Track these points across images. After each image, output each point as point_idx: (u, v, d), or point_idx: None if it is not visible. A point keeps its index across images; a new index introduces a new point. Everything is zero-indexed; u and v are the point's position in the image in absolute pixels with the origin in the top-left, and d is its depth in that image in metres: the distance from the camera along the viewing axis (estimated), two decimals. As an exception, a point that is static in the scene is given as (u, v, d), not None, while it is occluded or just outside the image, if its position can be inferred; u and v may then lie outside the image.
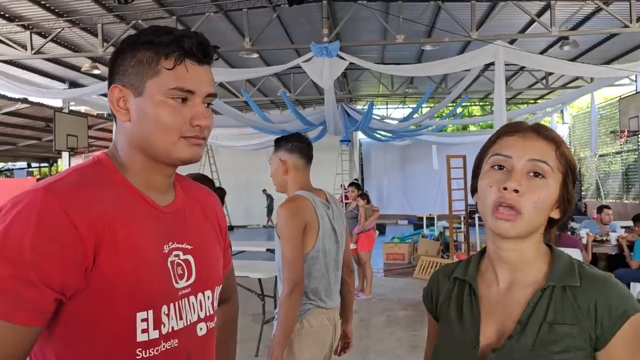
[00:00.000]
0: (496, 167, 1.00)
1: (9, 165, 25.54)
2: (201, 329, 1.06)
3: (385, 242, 11.33)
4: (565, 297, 0.96)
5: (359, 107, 17.65)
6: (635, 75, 12.05)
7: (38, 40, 9.88)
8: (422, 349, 4.76)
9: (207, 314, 1.08)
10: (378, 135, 15.98)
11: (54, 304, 0.87)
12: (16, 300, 0.82)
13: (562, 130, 18.30)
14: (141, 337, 0.93)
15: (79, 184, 0.93)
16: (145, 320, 0.93)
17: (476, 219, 10.66)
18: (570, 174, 1.01)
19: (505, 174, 0.98)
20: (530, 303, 0.97)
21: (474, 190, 1.07)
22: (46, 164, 23.73)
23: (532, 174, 0.97)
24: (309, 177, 2.46)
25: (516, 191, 0.95)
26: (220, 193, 3.35)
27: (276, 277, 2.57)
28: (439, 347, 1.09)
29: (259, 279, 5.27)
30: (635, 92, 12.15)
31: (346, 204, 10.38)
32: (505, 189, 0.95)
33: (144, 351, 0.94)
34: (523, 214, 0.96)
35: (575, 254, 5.03)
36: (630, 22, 8.35)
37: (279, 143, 2.46)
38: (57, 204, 0.87)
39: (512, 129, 1.02)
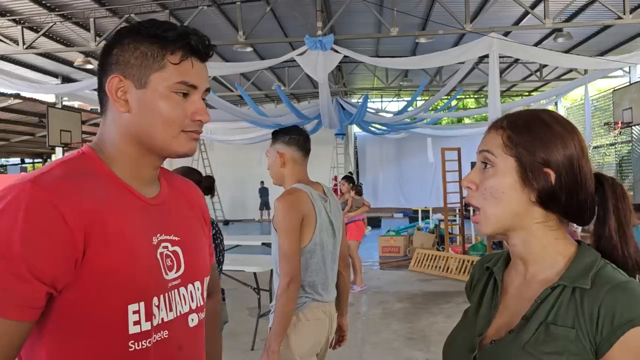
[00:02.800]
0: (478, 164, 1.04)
1: (3, 161, 25.40)
2: (192, 319, 1.07)
3: (380, 235, 11.36)
4: (572, 299, 0.91)
5: (353, 100, 17.64)
6: (629, 67, 12.06)
7: (30, 35, 9.79)
8: (417, 341, 4.82)
9: (198, 305, 1.09)
10: (373, 129, 15.98)
11: (45, 298, 0.87)
12: (7, 295, 0.82)
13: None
14: (133, 329, 0.93)
15: (66, 177, 0.92)
16: (137, 312, 0.94)
17: (471, 211, 10.69)
18: (525, 153, 0.95)
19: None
20: (537, 300, 0.95)
21: None
22: (40, 160, 23.61)
23: (483, 166, 0.99)
24: (306, 170, 2.45)
25: (469, 187, 0.98)
26: (209, 181, 3.35)
27: (272, 270, 2.57)
28: (452, 332, 1.09)
29: (254, 273, 5.27)
30: (629, 83, 12.16)
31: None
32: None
33: (136, 343, 0.94)
34: (480, 207, 0.97)
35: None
36: (624, 14, 8.35)
37: (276, 135, 2.44)
38: (45, 196, 0.86)
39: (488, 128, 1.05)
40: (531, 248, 0.99)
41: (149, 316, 0.95)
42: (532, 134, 0.96)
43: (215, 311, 1.37)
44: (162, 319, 0.99)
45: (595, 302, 0.88)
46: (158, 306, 0.98)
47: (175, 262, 1.03)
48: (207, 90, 1.06)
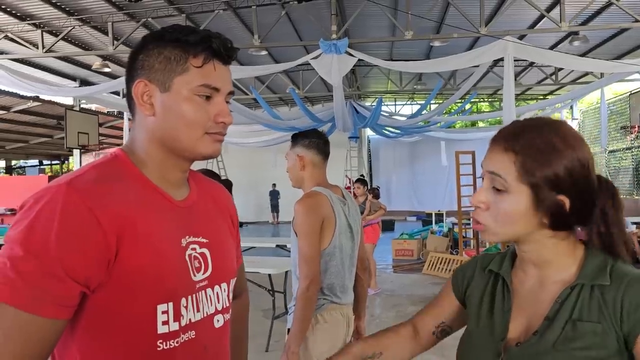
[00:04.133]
0: (480, 178, 1.02)
1: (21, 162, 25.75)
2: (218, 320, 1.08)
3: (394, 238, 11.34)
4: (593, 295, 0.94)
5: (367, 103, 17.64)
6: (646, 70, 11.93)
7: (49, 39, 9.95)
8: (430, 344, 4.62)
9: (224, 306, 1.10)
10: (386, 132, 15.96)
11: (78, 297, 0.89)
12: (43, 294, 0.84)
13: (572, 126, 18.11)
14: (162, 329, 0.95)
15: (99, 180, 0.95)
16: (165, 312, 0.95)
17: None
18: (545, 186, 0.94)
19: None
20: (558, 300, 0.97)
21: None
22: (58, 162, 23.93)
23: (494, 187, 0.97)
24: (325, 173, 2.46)
25: (479, 207, 0.99)
26: (227, 184, 3.39)
27: (286, 272, 2.58)
28: (466, 338, 1.09)
29: (269, 275, 5.31)
30: (646, 87, 12.04)
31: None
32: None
33: (164, 342, 0.96)
34: (486, 225, 0.99)
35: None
36: (641, 17, 8.28)
37: (296, 139, 2.46)
38: (79, 199, 0.88)
39: (492, 138, 1.01)
40: (543, 256, 1.01)
41: (177, 317, 0.97)
42: (549, 165, 0.94)
43: (243, 311, 1.38)
44: (190, 319, 1.00)
45: (617, 296, 0.92)
46: (186, 307, 0.99)
47: (203, 263, 1.05)
48: (231, 93, 1.06)
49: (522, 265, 1.06)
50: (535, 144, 0.95)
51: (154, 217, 0.99)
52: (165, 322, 0.96)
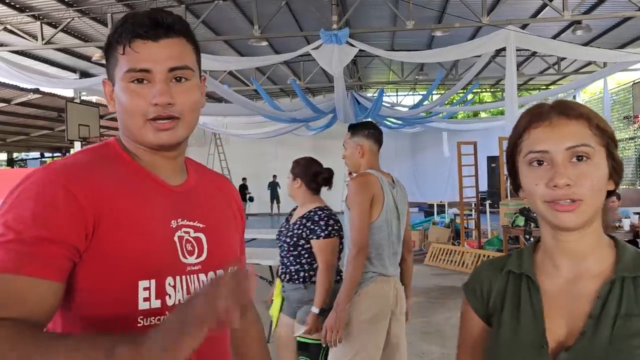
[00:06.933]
0: (535, 164, 0.94)
1: (23, 155, 25.79)
2: None
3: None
4: (638, 288, 0.90)
5: (369, 94, 17.56)
6: (650, 60, 11.86)
7: (48, 31, 9.92)
8: (433, 335, 4.82)
9: None
10: (388, 123, 15.91)
11: (61, 260, 0.89)
12: (20, 256, 0.85)
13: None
14: (143, 305, 0.96)
15: (80, 161, 0.99)
16: (147, 289, 0.96)
17: (487, 205, 10.63)
18: (611, 142, 0.94)
19: (547, 169, 0.91)
20: (600, 295, 0.91)
21: (517, 188, 1.01)
22: (59, 154, 23.93)
23: (575, 159, 0.91)
24: (378, 160, 2.76)
25: (568, 185, 0.90)
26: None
27: (342, 244, 2.82)
28: (496, 349, 0.99)
29: (270, 266, 5.30)
30: (649, 76, 11.98)
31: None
32: (555, 186, 0.90)
33: (145, 319, 0.96)
34: (583, 200, 0.90)
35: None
36: (645, 5, 8.22)
37: (356, 129, 2.75)
38: (56, 177, 0.93)
39: (537, 118, 0.95)
40: (591, 242, 0.95)
41: (160, 294, 0.98)
42: (607, 124, 0.95)
43: (257, 330, 1.34)
44: (179, 300, 1.00)
45: None
46: (174, 287, 1.00)
47: (196, 248, 1.05)
48: (178, 69, 0.99)
49: (553, 260, 0.98)
50: (585, 106, 0.97)
51: (139, 198, 1.00)
52: (147, 299, 0.96)
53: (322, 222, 2.73)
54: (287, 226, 2.89)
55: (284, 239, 2.85)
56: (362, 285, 2.52)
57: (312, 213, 2.78)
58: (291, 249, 2.79)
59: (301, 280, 2.76)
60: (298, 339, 2.76)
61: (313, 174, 2.88)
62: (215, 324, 0.76)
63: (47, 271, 0.87)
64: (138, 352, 0.77)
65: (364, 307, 2.52)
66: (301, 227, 2.77)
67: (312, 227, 2.74)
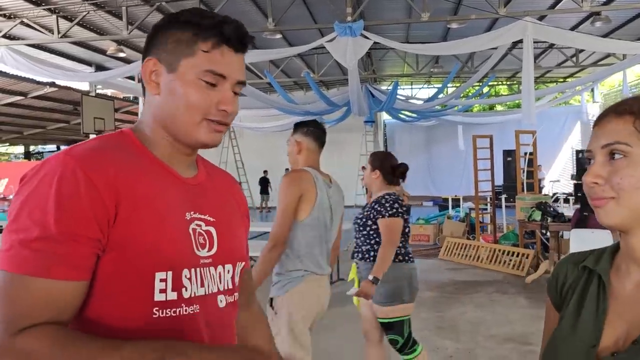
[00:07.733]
0: (588, 162, 0.94)
1: (39, 148, 26.11)
2: (221, 301, 1.07)
3: (410, 223, 11.26)
4: None
5: (383, 87, 17.50)
6: (671, 52, 11.63)
7: (64, 24, 9.98)
8: (447, 330, 4.80)
9: (226, 288, 1.09)
10: (403, 116, 15.85)
11: (89, 258, 0.90)
12: (48, 257, 0.85)
13: (593, 110, 17.87)
14: (159, 297, 0.95)
15: (97, 147, 0.98)
16: (164, 280, 0.96)
17: (502, 199, 10.53)
18: None
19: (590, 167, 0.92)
20: None
21: None
22: (75, 147, 24.19)
23: (611, 156, 0.89)
24: (318, 159, 2.77)
25: (596, 183, 0.88)
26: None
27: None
28: (552, 342, 0.98)
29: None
30: (670, 68, 11.76)
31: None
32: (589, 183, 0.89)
33: (161, 311, 0.96)
34: (615, 198, 0.88)
35: (606, 235, 4.92)
36: (666, -4, 8.05)
37: (297, 127, 2.79)
38: (75, 164, 0.91)
39: (597, 118, 0.94)
40: None
41: (177, 287, 0.97)
42: None
43: (262, 323, 1.35)
44: (195, 292, 1.00)
45: None
46: (190, 279, 1.00)
47: (207, 241, 1.05)
48: (241, 83, 1.05)
49: (626, 264, 0.94)
50: None
51: (157, 187, 1.00)
52: (163, 291, 0.96)
53: (387, 205, 3.06)
54: (361, 212, 3.26)
55: (357, 220, 3.22)
56: (293, 283, 2.54)
57: (381, 198, 3.13)
58: (361, 228, 3.16)
59: (371, 259, 3.06)
60: (379, 320, 3.13)
61: (391, 167, 3.24)
62: None
63: (76, 273, 0.88)
64: None
65: (294, 307, 2.53)
66: (371, 210, 3.13)
67: (379, 208, 3.08)
